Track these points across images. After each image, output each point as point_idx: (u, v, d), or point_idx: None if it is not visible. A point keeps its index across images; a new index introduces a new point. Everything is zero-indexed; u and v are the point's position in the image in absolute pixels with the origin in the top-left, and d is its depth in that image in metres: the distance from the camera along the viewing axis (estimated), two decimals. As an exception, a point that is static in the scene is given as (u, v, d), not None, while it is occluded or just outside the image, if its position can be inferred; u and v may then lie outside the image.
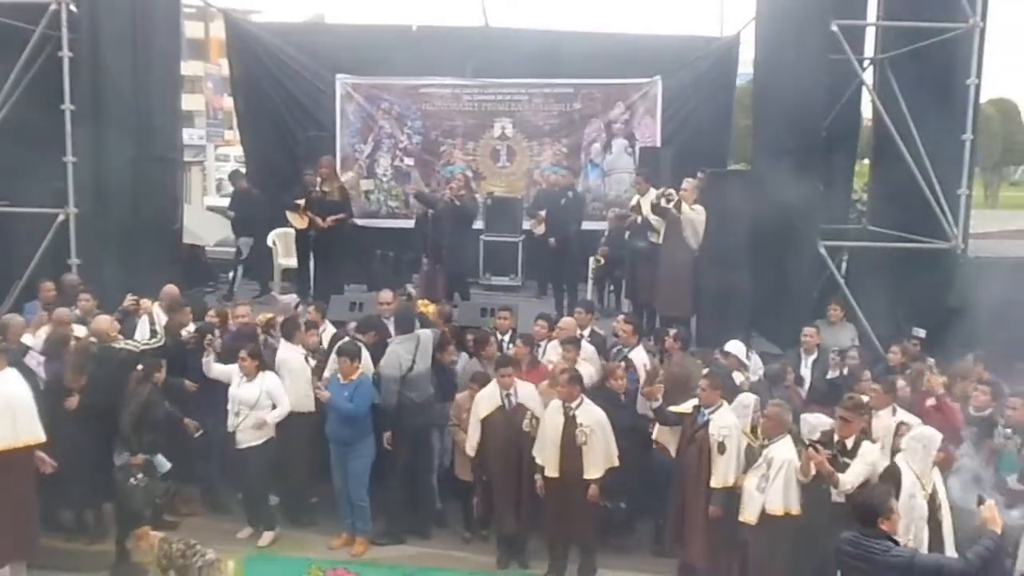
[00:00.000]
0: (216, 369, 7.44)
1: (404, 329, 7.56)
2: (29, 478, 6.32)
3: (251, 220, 11.63)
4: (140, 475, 6.84)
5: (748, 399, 6.71)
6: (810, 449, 5.86)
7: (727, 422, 6.49)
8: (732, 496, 6.40)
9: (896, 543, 4.73)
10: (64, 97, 9.34)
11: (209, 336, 7.55)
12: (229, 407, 7.30)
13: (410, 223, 12.21)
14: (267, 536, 7.48)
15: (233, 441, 7.33)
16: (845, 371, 7.74)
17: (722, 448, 6.42)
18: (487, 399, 7.10)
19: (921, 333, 8.89)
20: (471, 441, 7.15)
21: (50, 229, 9.42)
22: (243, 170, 13.49)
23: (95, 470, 6.95)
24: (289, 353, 7.59)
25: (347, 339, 7.60)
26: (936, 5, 9.42)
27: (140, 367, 7.08)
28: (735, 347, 7.77)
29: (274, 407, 7.29)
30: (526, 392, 7.12)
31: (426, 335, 7.60)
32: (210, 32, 33.06)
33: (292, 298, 8.90)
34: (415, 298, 9.24)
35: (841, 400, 6.47)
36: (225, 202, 13.05)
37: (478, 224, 12.23)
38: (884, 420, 6.61)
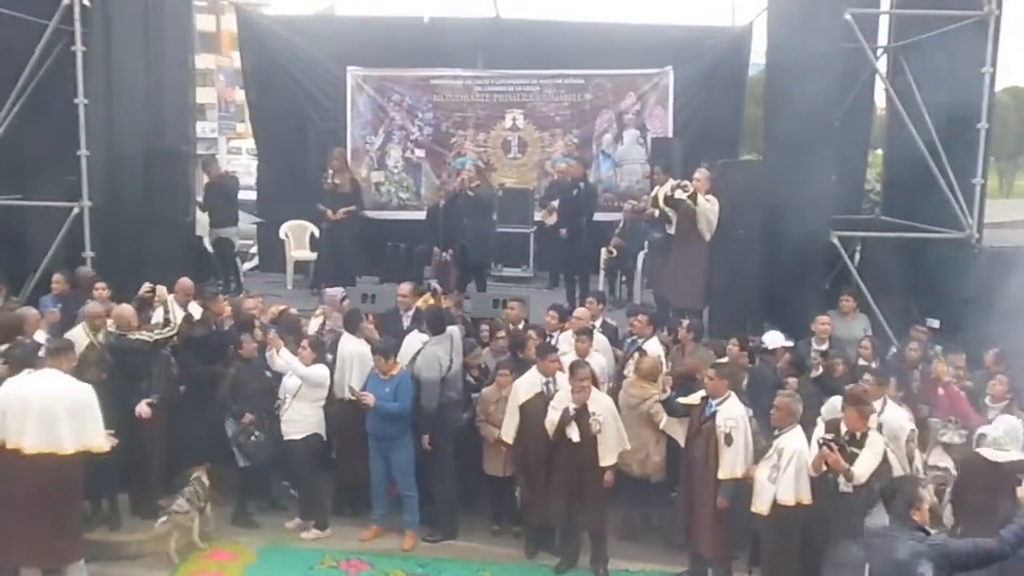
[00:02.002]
0: (278, 362, 7.39)
1: (437, 330, 7.48)
2: (79, 478, 6.32)
3: (231, 208, 11.54)
4: (257, 432, 7.33)
5: (836, 402, 6.53)
6: (824, 448, 5.84)
7: (734, 413, 6.47)
8: (740, 487, 6.40)
9: (928, 533, 4.73)
10: (77, 91, 9.39)
11: (272, 332, 7.59)
12: (280, 395, 7.38)
13: (421, 215, 12.24)
14: (313, 532, 7.45)
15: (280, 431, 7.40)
16: (821, 370, 7.62)
17: (729, 439, 6.40)
18: (527, 385, 7.08)
19: (935, 324, 8.84)
20: (509, 428, 7.10)
21: (64, 222, 9.48)
22: (222, 159, 13.42)
23: (113, 459, 6.91)
24: (355, 346, 7.56)
25: (382, 337, 7.64)
26: (950, -8, 9.34)
27: (232, 347, 7.54)
28: (774, 339, 7.75)
29: (317, 397, 7.33)
30: (566, 380, 7.08)
31: (456, 332, 7.61)
32: (221, 25, 33.19)
33: (339, 291, 8.91)
34: (440, 293, 9.22)
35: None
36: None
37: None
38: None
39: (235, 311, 8.28)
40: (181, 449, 7.49)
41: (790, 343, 7.87)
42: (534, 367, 7.16)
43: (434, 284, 9.86)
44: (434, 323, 7.56)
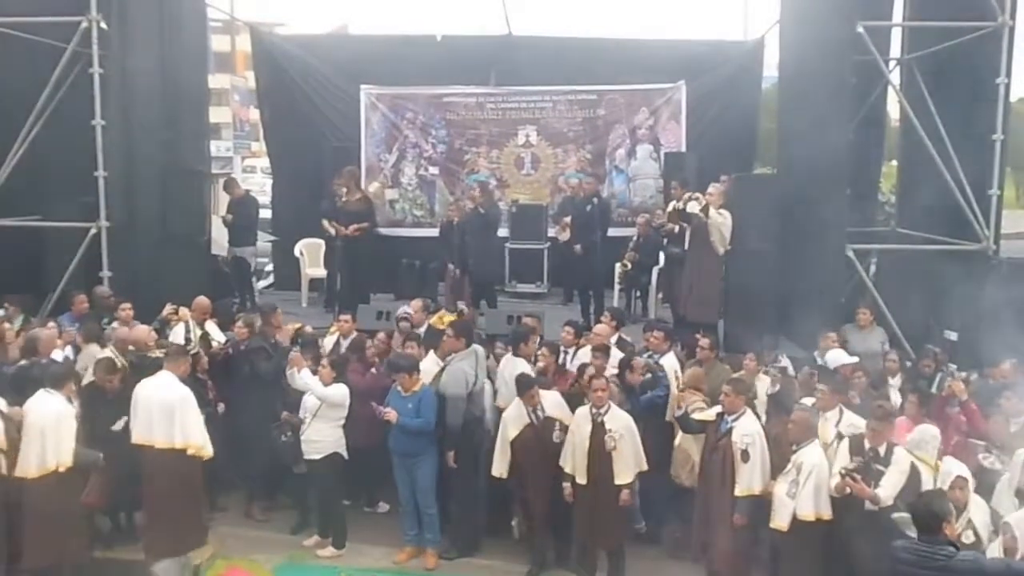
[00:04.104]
0: (298, 381, 7.34)
1: (465, 344, 7.44)
2: (195, 476, 6.74)
3: (250, 228, 11.66)
4: (289, 432, 7.42)
5: (932, 431, 6.27)
6: (847, 479, 5.76)
7: (750, 429, 6.41)
8: (757, 504, 6.34)
9: (957, 548, 4.66)
10: (95, 112, 9.50)
11: (293, 351, 7.58)
12: (300, 414, 7.39)
13: (435, 232, 12.27)
14: (329, 550, 7.44)
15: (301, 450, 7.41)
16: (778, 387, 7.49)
17: (745, 456, 6.34)
18: (514, 419, 7.03)
19: (953, 336, 8.78)
20: (500, 463, 7.06)
21: (82, 242, 9.57)
22: (238, 178, 13.58)
23: (132, 474, 6.93)
24: (516, 364, 7.48)
25: (398, 352, 7.65)
26: (964, 4, 9.33)
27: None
28: (836, 357, 7.71)
29: (336, 416, 7.30)
30: (552, 402, 7.08)
31: (480, 349, 7.58)
32: (236, 45, 33.46)
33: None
34: (477, 312, 9.21)
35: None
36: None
37: (503, 232, 12.27)
38: (831, 422, 6.57)
39: (250, 329, 8.30)
40: (230, 461, 7.55)
41: (854, 359, 7.82)
42: (517, 399, 7.06)
43: (461, 305, 9.86)
44: (463, 336, 7.54)
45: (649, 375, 7.43)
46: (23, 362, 7.15)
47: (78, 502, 6.54)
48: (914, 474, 5.89)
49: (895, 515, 5.59)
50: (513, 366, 7.41)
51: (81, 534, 6.66)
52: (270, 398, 7.68)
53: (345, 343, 8.38)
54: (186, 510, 6.76)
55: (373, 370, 7.89)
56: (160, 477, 6.62)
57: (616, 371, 7.45)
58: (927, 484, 5.84)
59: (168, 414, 6.55)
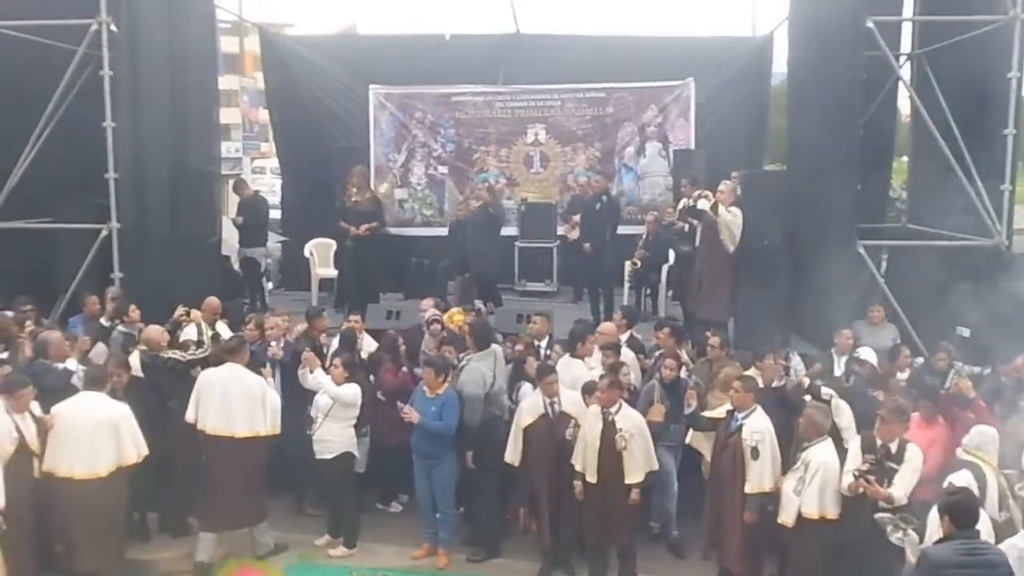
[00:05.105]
0: (310, 380, 7.39)
1: (482, 345, 7.50)
2: (260, 459, 7.11)
3: (260, 228, 11.67)
4: (312, 427, 7.46)
5: (990, 431, 6.13)
6: (860, 480, 5.75)
7: (760, 427, 6.41)
8: (768, 501, 6.33)
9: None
10: (105, 115, 9.54)
11: (307, 351, 7.60)
12: (312, 413, 7.41)
13: (444, 231, 12.28)
14: (340, 550, 7.47)
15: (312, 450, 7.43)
16: (784, 381, 7.41)
17: (755, 453, 6.34)
18: (530, 408, 7.07)
19: (965, 332, 8.72)
20: (512, 451, 7.11)
21: (93, 244, 9.61)
22: (247, 178, 13.58)
23: (142, 474, 6.93)
24: (572, 365, 7.56)
25: (436, 352, 7.69)
26: (974, -2, 9.28)
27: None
28: (868, 354, 7.68)
29: (348, 416, 7.33)
30: (570, 399, 7.08)
31: (499, 349, 7.62)
32: (245, 46, 33.49)
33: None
34: (485, 313, 9.22)
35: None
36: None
37: (513, 231, 12.26)
38: None
39: (261, 330, 8.31)
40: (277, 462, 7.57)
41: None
42: (537, 389, 7.11)
43: (478, 304, 9.85)
44: (480, 338, 7.57)
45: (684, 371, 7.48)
46: (37, 361, 7.15)
47: (124, 502, 6.65)
48: (978, 475, 5.77)
49: (877, 516, 5.55)
50: (570, 368, 7.41)
51: (124, 534, 6.79)
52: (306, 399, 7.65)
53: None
54: (255, 487, 7.13)
55: (404, 369, 7.91)
56: (232, 463, 6.92)
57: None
58: (991, 486, 5.77)
59: (252, 404, 6.91)
